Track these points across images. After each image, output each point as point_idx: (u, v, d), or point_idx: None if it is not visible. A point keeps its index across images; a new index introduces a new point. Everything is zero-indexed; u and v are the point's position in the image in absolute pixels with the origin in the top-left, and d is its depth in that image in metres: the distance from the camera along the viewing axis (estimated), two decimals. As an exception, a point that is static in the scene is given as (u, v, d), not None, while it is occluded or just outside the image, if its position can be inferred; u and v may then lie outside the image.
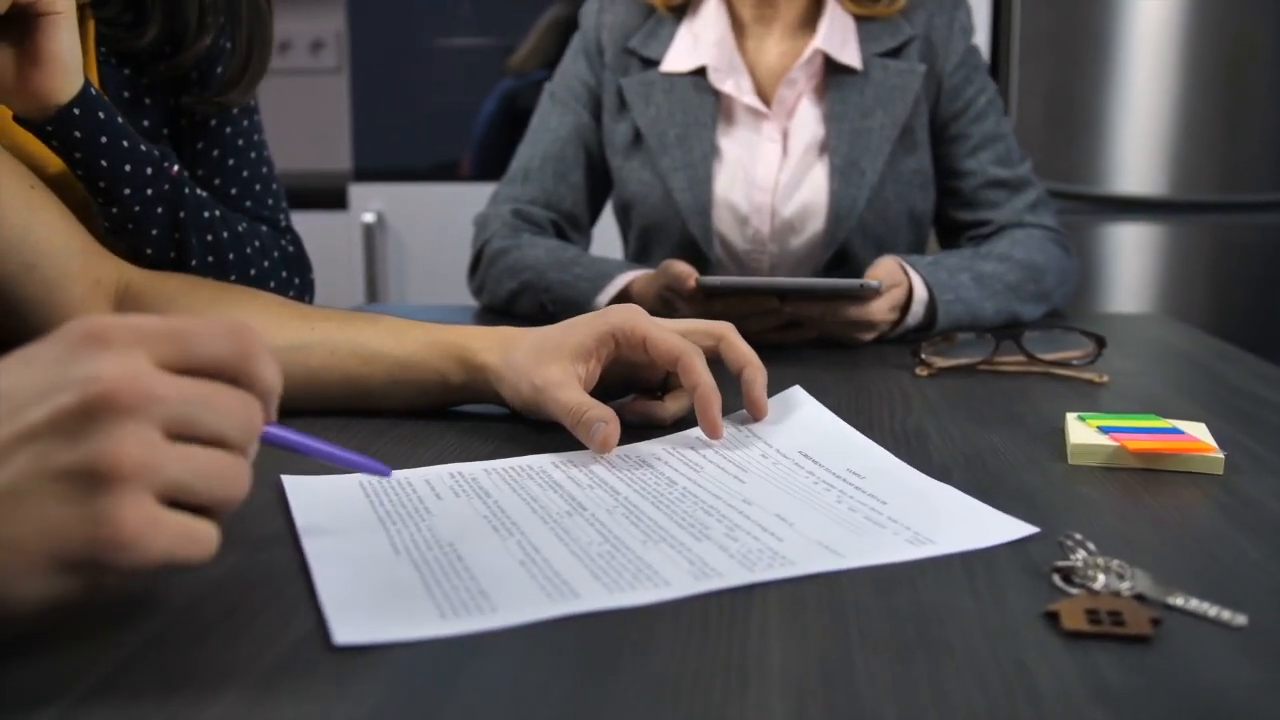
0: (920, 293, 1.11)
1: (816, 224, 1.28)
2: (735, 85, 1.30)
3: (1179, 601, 0.48)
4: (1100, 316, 1.37)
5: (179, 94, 0.97)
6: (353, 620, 0.45)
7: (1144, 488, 0.65)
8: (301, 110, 2.94)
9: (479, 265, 1.34)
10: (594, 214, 1.42)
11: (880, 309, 1.07)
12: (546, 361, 0.71)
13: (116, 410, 0.39)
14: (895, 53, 1.30)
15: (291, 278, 1.01)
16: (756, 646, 0.44)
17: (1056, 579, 0.51)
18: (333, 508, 0.59)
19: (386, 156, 2.44)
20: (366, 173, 2.43)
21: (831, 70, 1.29)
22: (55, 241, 0.78)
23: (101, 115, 0.81)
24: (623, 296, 1.18)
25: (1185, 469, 0.69)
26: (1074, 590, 0.50)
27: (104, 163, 0.82)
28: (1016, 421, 0.81)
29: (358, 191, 2.39)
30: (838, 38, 1.29)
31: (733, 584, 0.50)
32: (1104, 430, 0.73)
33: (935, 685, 0.41)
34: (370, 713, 0.39)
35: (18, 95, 0.78)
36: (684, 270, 1.07)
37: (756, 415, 0.75)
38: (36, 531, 0.39)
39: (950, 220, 1.36)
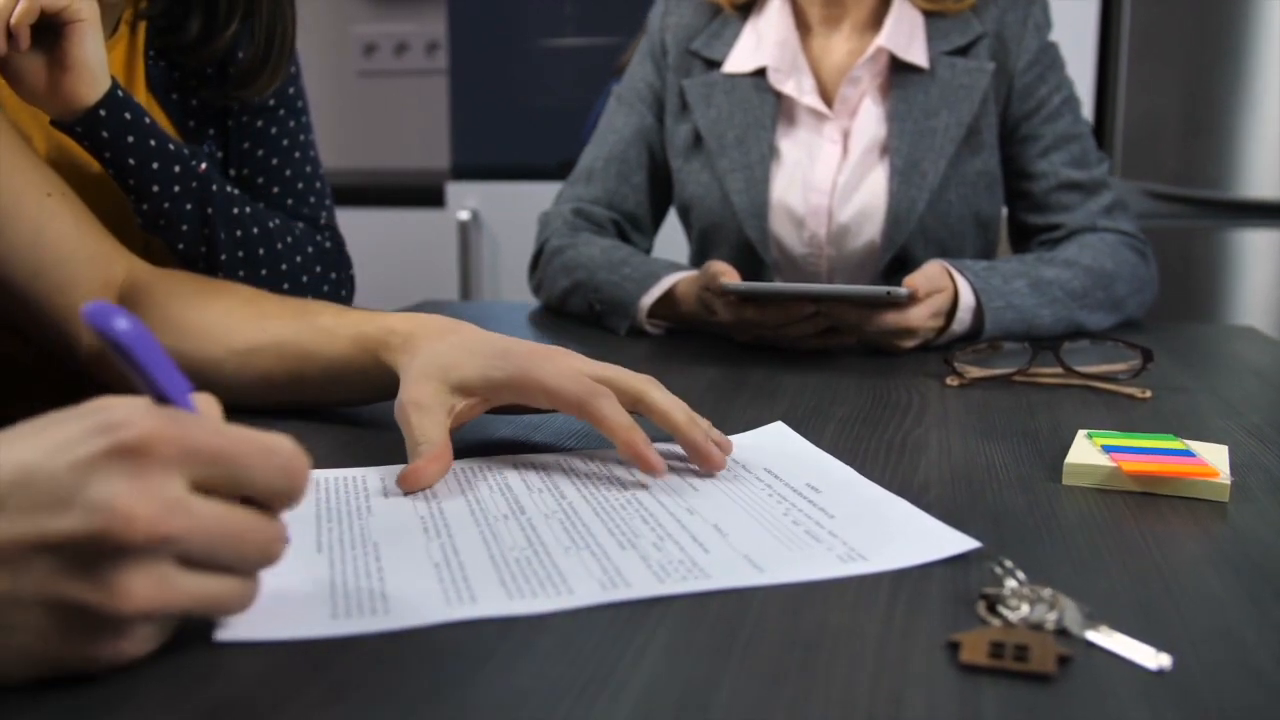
0: (967, 299, 1.07)
1: (874, 227, 1.25)
2: (796, 86, 1.27)
3: (1101, 638, 0.45)
4: (1186, 328, 1.29)
5: (220, 90, 1.00)
6: (240, 616, 0.46)
7: (1132, 513, 0.61)
8: (415, 109, 3.01)
9: (539, 262, 1.35)
10: (657, 215, 1.42)
11: (920, 315, 1.03)
12: (428, 379, 0.67)
13: (134, 548, 0.37)
14: (964, 51, 1.25)
15: (327, 273, 1.03)
16: (630, 662, 0.43)
17: (980, 607, 0.48)
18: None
19: (486, 155, 2.48)
20: (464, 171, 2.47)
21: (897, 69, 1.25)
22: (65, 248, 0.81)
23: (128, 116, 0.85)
24: (668, 298, 1.17)
25: (1187, 494, 0.64)
26: (995, 620, 0.47)
27: (131, 161, 0.86)
28: (1028, 437, 0.77)
29: (454, 190, 2.43)
30: (904, 35, 1.25)
31: (640, 595, 0.49)
32: (1107, 449, 0.69)
33: (795, 713, 0.39)
34: (207, 711, 0.39)
35: (49, 99, 0.83)
36: (718, 270, 1.06)
37: (707, 465, 0.65)
38: (19, 646, 0.39)
39: (1021, 224, 1.30)
